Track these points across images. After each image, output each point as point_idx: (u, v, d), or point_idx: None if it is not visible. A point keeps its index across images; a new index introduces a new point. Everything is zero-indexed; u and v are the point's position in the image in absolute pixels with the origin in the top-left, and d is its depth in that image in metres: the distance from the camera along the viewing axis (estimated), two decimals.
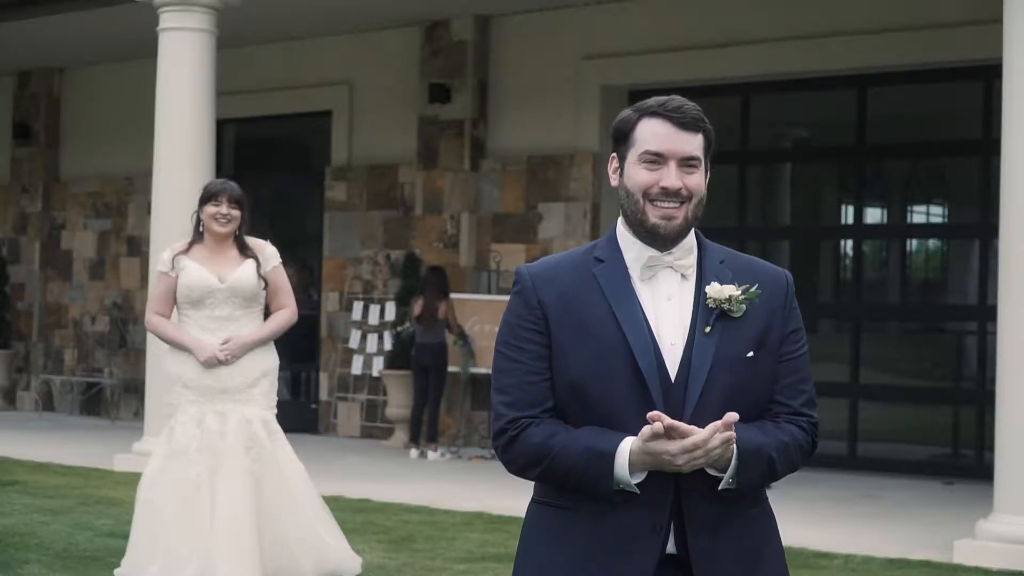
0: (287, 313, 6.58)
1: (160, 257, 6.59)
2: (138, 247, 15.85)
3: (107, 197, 16.56)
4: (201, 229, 6.48)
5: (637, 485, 2.68)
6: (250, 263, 6.47)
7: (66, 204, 16.94)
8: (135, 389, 15.56)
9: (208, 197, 6.45)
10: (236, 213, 6.44)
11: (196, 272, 6.40)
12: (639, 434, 2.64)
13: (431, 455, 12.56)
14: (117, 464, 11.28)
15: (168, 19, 11.17)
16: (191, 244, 6.51)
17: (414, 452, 12.68)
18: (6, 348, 17.02)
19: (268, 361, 6.52)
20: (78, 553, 7.63)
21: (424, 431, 12.77)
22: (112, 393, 16.13)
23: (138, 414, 14.75)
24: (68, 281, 16.93)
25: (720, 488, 2.69)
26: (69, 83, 17.03)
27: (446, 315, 12.58)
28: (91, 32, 14.52)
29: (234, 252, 6.49)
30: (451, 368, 12.85)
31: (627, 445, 2.66)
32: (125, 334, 16.20)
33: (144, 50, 12.58)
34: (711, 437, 2.62)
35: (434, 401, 12.71)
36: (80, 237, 16.82)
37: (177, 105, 11.09)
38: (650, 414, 2.63)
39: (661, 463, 2.64)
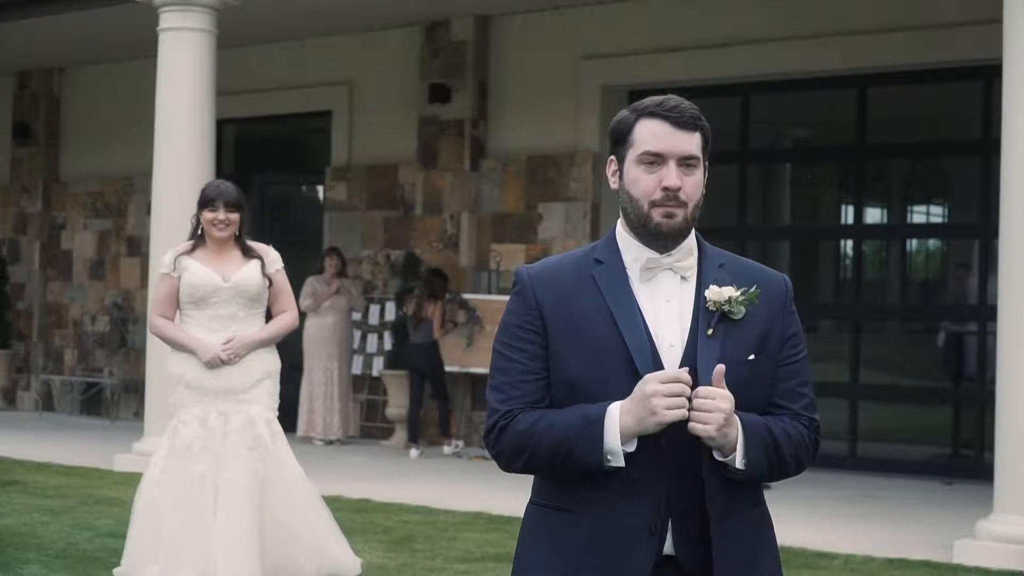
0: (289, 316, 6.58)
1: (162, 259, 6.58)
2: (138, 247, 15.85)
3: (107, 197, 16.56)
4: (200, 232, 6.48)
5: (634, 480, 2.67)
6: (255, 263, 6.48)
7: (66, 204, 16.94)
8: (135, 389, 15.56)
9: (205, 202, 6.44)
10: (234, 217, 6.44)
11: (200, 271, 6.39)
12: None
13: (447, 449, 12.68)
14: (117, 464, 11.29)
15: (168, 19, 11.17)
16: (194, 246, 6.50)
17: (414, 452, 12.69)
18: (6, 348, 17.01)
19: (271, 362, 6.53)
20: (78, 553, 7.63)
21: (423, 430, 12.83)
22: (112, 393, 16.14)
23: (138, 414, 14.75)
24: (68, 281, 16.93)
25: (732, 469, 2.67)
26: (69, 83, 17.03)
27: (432, 315, 12.64)
28: (91, 32, 14.51)
29: (237, 253, 6.49)
30: (449, 368, 12.87)
31: (616, 406, 2.66)
32: (125, 334, 16.19)
33: (144, 50, 12.58)
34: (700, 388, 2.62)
35: (441, 398, 12.81)
36: (80, 237, 16.82)
37: (177, 105, 11.09)
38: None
39: (645, 409, 2.61)
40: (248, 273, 6.45)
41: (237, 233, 6.48)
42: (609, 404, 2.67)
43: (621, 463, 2.66)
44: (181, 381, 6.40)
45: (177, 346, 6.44)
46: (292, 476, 6.44)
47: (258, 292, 6.47)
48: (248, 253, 6.51)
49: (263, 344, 6.47)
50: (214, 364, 6.33)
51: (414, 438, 12.81)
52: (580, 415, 2.68)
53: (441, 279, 12.81)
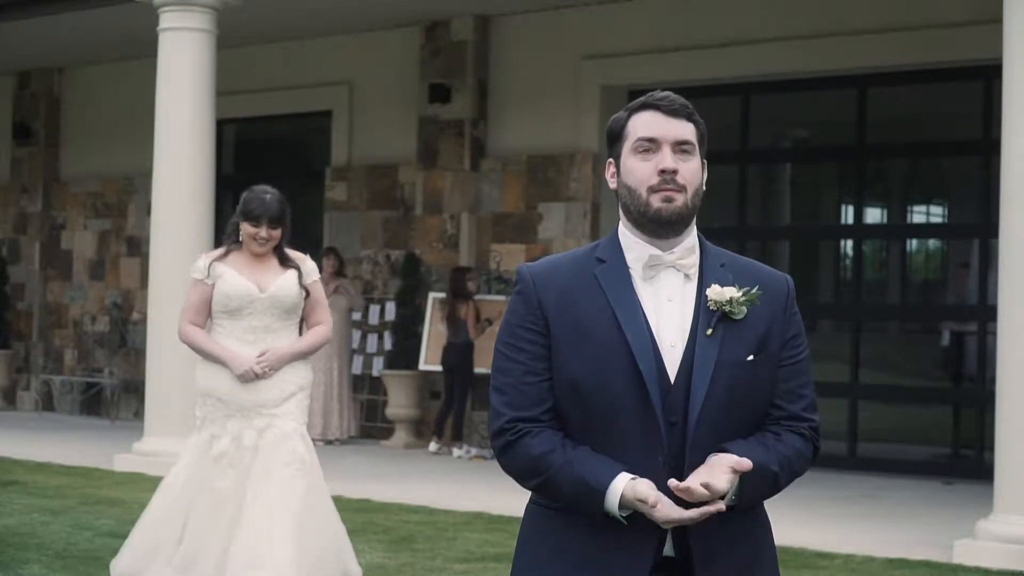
0: (324, 329, 6.41)
1: (196, 264, 6.31)
2: (138, 247, 15.86)
3: (107, 197, 16.57)
4: (240, 239, 6.25)
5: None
6: (292, 273, 6.27)
7: (66, 204, 16.94)
8: (135, 389, 15.56)
9: (249, 216, 6.19)
10: (276, 233, 6.21)
11: (235, 280, 6.18)
12: (641, 487, 2.65)
13: (456, 452, 12.67)
14: (117, 464, 11.28)
15: (168, 19, 11.17)
16: (228, 251, 6.27)
17: (433, 445, 12.77)
18: (6, 348, 17.02)
19: (304, 375, 6.34)
20: (78, 553, 7.63)
21: (422, 430, 12.85)
22: (112, 393, 16.13)
23: (138, 414, 14.74)
24: (68, 281, 16.93)
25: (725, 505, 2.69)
26: (69, 83, 17.03)
27: (467, 316, 12.71)
28: (91, 32, 14.52)
29: (274, 262, 6.28)
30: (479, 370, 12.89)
31: (620, 484, 2.66)
32: (125, 334, 16.19)
33: (144, 50, 12.58)
34: (698, 516, 2.63)
35: (460, 400, 12.86)
36: (80, 237, 16.82)
37: (177, 105, 11.10)
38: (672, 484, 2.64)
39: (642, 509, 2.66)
40: (285, 283, 6.24)
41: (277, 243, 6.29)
42: (613, 477, 2.66)
43: (623, 523, 2.68)
44: (213, 395, 6.18)
45: (208, 357, 6.21)
46: (323, 488, 6.35)
47: (295, 303, 6.28)
48: (285, 262, 6.29)
49: (298, 357, 6.28)
50: (248, 378, 6.12)
51: (439, 433, 12.87)
52: (584, 482, 2.67)
53: (460, 277, 12.85)
